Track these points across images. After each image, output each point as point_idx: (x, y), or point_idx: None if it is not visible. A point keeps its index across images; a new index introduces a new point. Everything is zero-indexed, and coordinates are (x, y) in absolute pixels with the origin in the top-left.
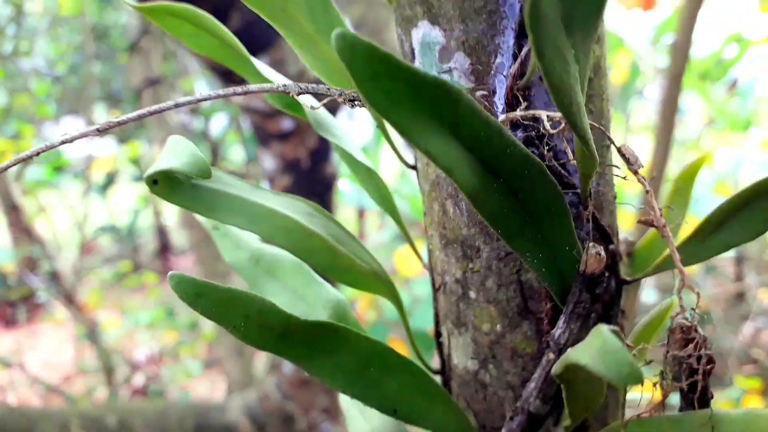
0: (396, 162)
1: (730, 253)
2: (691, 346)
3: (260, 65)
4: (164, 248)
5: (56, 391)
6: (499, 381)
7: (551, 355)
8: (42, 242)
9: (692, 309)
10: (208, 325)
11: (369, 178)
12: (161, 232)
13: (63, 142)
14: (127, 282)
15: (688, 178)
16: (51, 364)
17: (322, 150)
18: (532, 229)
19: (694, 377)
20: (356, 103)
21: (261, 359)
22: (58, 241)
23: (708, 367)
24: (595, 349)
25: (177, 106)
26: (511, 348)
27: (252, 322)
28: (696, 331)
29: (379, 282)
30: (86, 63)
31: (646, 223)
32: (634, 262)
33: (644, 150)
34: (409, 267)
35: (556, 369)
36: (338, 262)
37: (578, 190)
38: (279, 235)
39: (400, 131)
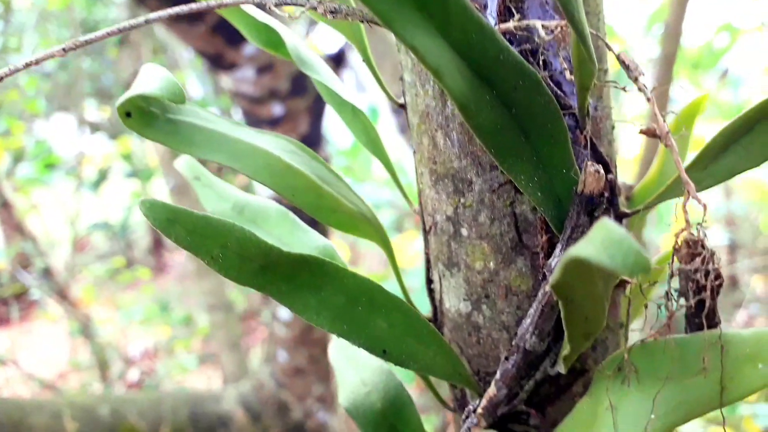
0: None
1: (724, 241)
2: (698, 259)
3: None
4: (157, 244)
5: (51, 388)
6: (492, 322)
7: (547, 288)
8: (34, 239)
9: (698, 224)
10: (202, 320)
11: (355, 118)
12: (154, 229)
13: (27, 65)
14: (120, 278)
15: (688, 117)
16: (45, 362)
17: (313, 136)
18: (527, 148)
19: (702, 295)
20: (336, 15)
21: (256, 353)
22: (51, 239)
23: (716, 283)
24: (598, 241)
25: (147, 22)
26: (505, 286)
27: (230, 253)
28: (703, 245)
29: (368, 224)
30: (76, 58)
31: (647, 133)
32: (632, 206)
33: (637, 140)
34: (404, 257)
35: (553, 277)
36: (323, 202)
37: (575, 111)
38: (262, 172)
39: (384, 20)
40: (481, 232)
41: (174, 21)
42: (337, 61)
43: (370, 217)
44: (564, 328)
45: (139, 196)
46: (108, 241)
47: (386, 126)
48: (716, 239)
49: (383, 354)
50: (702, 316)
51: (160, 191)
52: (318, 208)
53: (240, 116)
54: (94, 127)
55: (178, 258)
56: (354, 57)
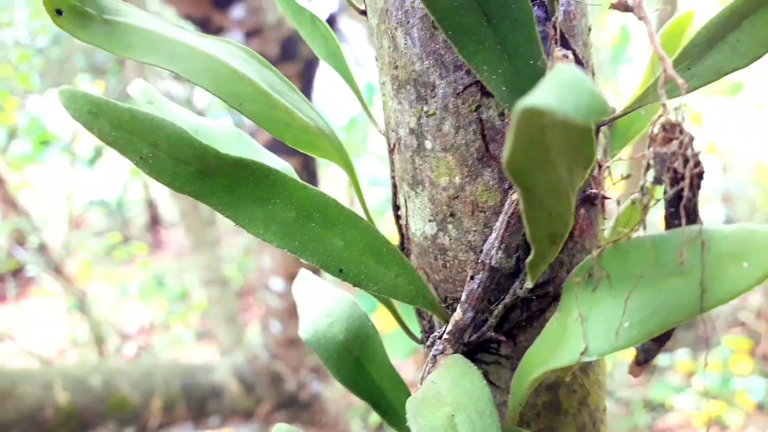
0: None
1: (721, 218)
2: (675, 143)
3: None
4: (154, 221)
5: (49, 364)
6: (459, 243)
7: (515, 196)
8: (29, 215)
9: (676, 108)
10: (199, 296)
11: (315, 29)
12: (151, 205)
13: None
14: (116, 254)
15: (675, 35)
16: (44, 339)
17: None
18: (489, 32)
19: (680, 184)
20: None
21: (253, 329)
22: (47, 216)
23: (695, 170)
24: (549, 86)
25: None
26: (472, 202)
27: (161, 153)
28: (681, 130)
29: (326, 140)
30: (70, 51)
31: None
32: (614, 134)
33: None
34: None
35: (506, 151)
36: (275, 114)
37: None
38: (203, 76)
39: None
40: (445, 144)
41: None
42: (330, 23)
43: (328, 133)
44: (526, 228)
45: (136, 173)
46: (105, 219)
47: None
48: (713, 216)
49: (339, 273)
50: (680, 209)
51: None
52: (269, 120)
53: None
54: None
55: (175, 235)
56: (347, 25)
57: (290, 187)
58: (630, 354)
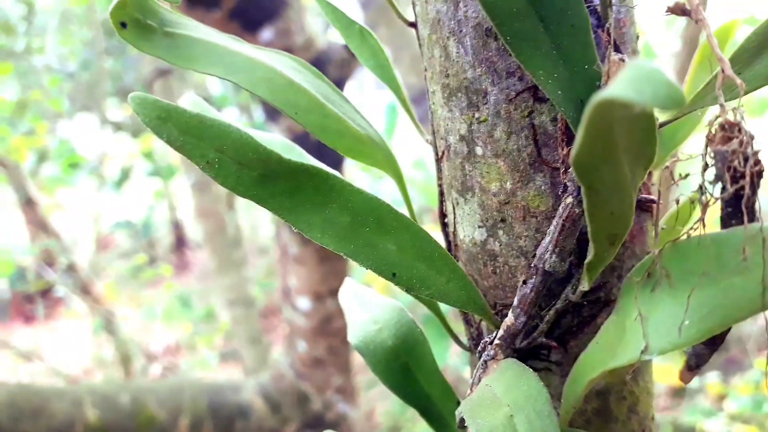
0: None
1: None
2: (735, 141)
3: None
4: (180, 242)
5: (75, 383)
6: (509, 248)
7: (569, 200)
8: (58, 236)
9: (735, 109)
10: (224, 317)
11: (363, 41)
12: (176, 227)
13: None
14: (143, 275)
15: (720, 42)
16: (70, 358)
17: None
18: (546, 38)
19: (740, 183)
20: None
21: (278, 350)
22: (75, 237)
23: (756, 169)
24: (625, 80)
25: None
26: (523, 207)
27: (227, 158)
28: (740, 129)
29: (377, 150)
30: (97, 59)
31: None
32: (660, 142)
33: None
34: None
35: (575, 149)
36: (329, 123)
37: (596, 6)
38: (261, 87)
39: None
40: (497, 149)
41: (190, 6)
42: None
43: (379, 142)
44: (588, 227)
45: (162, 194)
46: (131, 240)
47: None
48: None
49: (393, 277)
50: (741, 207)
51: (183, 189)
52: (323, 130)
53: (260, 111)
54: (117, 126)
55: (200, 256)
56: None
57: (347, 192)
58: (663, 376)
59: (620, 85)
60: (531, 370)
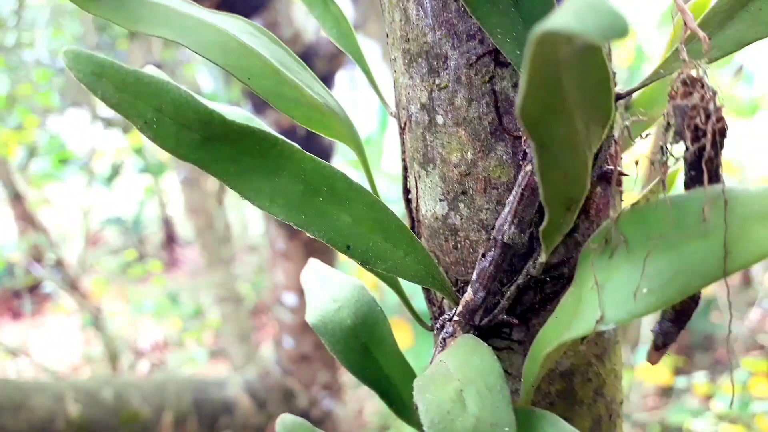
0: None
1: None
2: (696, 95)
3: None
4: (170, 239)
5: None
6: (470, 222)
7: (528, 167)
8: (46, 231)
9: (698, 62)
10: (213, 314)
11: (326, 9)
12: (167, 223)
13: None
14: (132, 271)
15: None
16: (59, 355)
17: None
18: None
19: (701, 141)
20: None
21: (267, 348)
22: (64, 233)
23: (718, 125)
24: (565, 10)
25: None
26: (484, 178)
27: (166, 118)
28: (703, 85)
29: (337, 119)
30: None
31: None
32: (632, 115)
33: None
34: None
35: (519, 97)
36: (284, 90)
37: None
38: (212, 50)
39: None
40: (457, 118)
41: None
42: None
43: (339, 112)
44: (540, 190)
45: (152, 191)
46: (121, 237)
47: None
48: None
49: (347, 249)
50: (702, 165)
51: (173, 186)
52: (278, 97)
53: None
54: (107, 122)
55: (190, 253)
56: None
57: (298, 159)
58: (651, 376)
59: (561, 15)
60: (485, 344)
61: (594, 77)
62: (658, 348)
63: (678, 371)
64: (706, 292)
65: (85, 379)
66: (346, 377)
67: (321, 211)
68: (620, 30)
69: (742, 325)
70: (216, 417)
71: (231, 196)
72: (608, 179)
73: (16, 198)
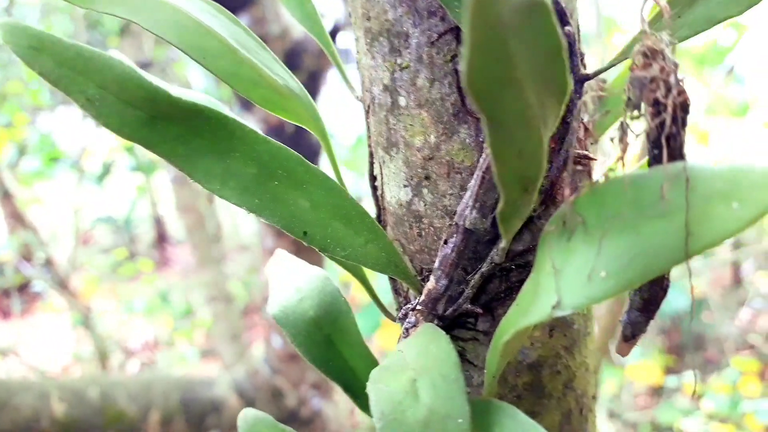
0: None
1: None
2: (656, 66)
3: None
4: (161, 238)
5: (49, 379)
6: (434, 208)
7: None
8: (35, 230)
9: (656, 35)
10: (204, 314)
11: None
12: (158, 222)
13: None
14: (122, 270)
15: None
16: (49, 355)
17: None
18: None
19: (662, 116)
20: None
21: (258, 348)
22: (55, 232)
23: (679, 99)
24: None
25: None
26: (447, 162)
27: (109, 95)
28: (664, 57)
29: (297, 101)
30: None
31: None
32: (606, 103)
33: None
34: None
35: (463, 70)
36: (242, 71)
37: None
38: (167, 29)
39: None
40: (419, 99)
41: None
42: (332, 35)
43: (300, 94)
44: (493, 168)
45: (144, 190)
46: (112, 236)
47: None
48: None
49: (304, 236)
50: (661, 140)
51: (164, 185)
52: (236, 78)
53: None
54: None
55: (182, 253)
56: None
57: (251, 140)
58: (641, 375)
59: None
60: (444, 333)
61: (544, 46)
62: (627, 339)
63: (668, 370)
64: (697, 292)
65: (70, 379)
66: None
67: (276, 196)
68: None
69: (733, 325)
70: (204, 416)
71: None
72: (576, 163)
73: (6, 196)
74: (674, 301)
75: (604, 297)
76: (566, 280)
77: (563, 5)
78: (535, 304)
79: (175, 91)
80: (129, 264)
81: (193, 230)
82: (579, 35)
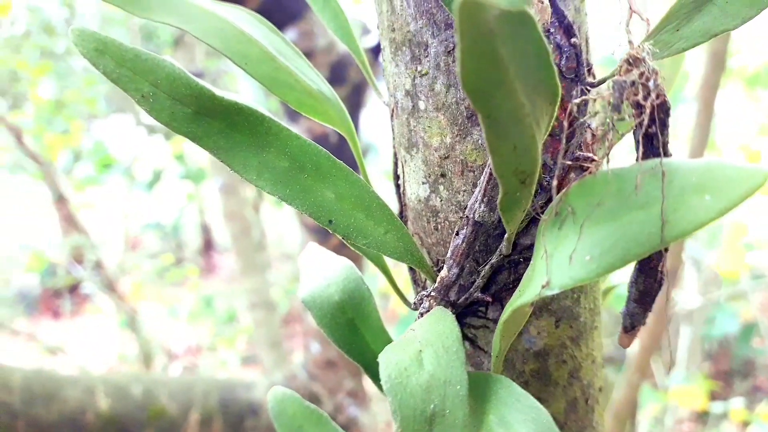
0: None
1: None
2: (636, 71)
3: None
4: (208, 245)
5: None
6: (449, 203)
7: None
8: (87, 234)
9: (639, 45)
10: (246, 320)
11: (326, 4)
12: (205, 230)
13: None
14: (169, 275)
15: None
16: (95, 355)
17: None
18: None
19: (641, 117)
20: None
21: (298, 356)
22: (106, 236)
23: (658, 101)
24: None
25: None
26: (461, 161)
27: (161, 92)
28: (645, 62)
29: (329, 105)
30: None
31: None
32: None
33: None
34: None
35: (458, 72)
36: (280, 76)
37: None
38: (212, 36)
39: None
40: (437, 103)
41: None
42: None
43: (330, 97)
44: (491, 162)
45: (192, 197)
46: (160, 241)
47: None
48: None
49: (329, 224)
50: (647, 141)
51: (212, 193)
52: (274, 82)
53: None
54: (150, 129)
55: (227, 260)
56: None
57: (284, 137)
58: (686, 400)
59: None
60: (450, 312)
61: (532, 51)
62: (627, 330)
63: (714, 396)
64: (748, 316)
65: (115, 375)
66: (371, 387)
67: (305, 187)
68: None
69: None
70: (242, 418)
71: (268, 204)
72: (581, 166)
73: (61, 200)
74: (723, 324)
75: (587, 278)
76: (555, 263)
77: (570, 20)
78: (529, 286)
79: (219, 91)
80: (175, 269)
81: (239, 238)
82: (588, 47)
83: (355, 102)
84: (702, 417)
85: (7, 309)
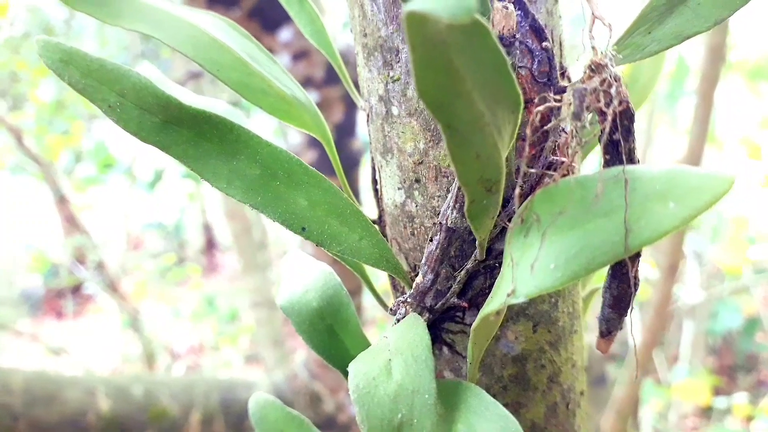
0: None
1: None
2: (596, 78)
3: None
4: (209, 245)
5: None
6: (424, 209)
7: None
8: (89, 234)
9: (601, 51)
10: (249, 319)
11: (301, 8)
12: (207, 229)
13: None
14: (171, 275)
15: None
16: (97, 355)
17: (347, 125)
18: None
19: (604, 124)
20: None
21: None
22: (107, 237)
23: (620, 108)
24: None
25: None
26: (435, 167)
27: (128, 102)
28: (607, 68)
29: (303, 110)
30: (133, 62)
31: None
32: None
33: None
34: None
35: (414, 82)
36: (253, 81)
37: None
38: (185, 44)
39: None
40: (410, 109)
41: (210, 5)
42: None
43: (305, 102)
44: (455, 172)
45: (193, 197)
46: (161, 241)
47: None
48: None
49: (302, 231)
50: (612, 149)
51: (213, 192)
52: (247, 88)
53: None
54: None
55: (229, 260)
56: None
57: (254, 144)
58: (689, 395)
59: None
60: (422, 320)
61: (489, 60)
62: (604, 335)
63: (717, 391)
64: (751, 311)
65: (116, 376)
66: None
67: (277, 194)
68: (465, 9)
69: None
70: (243, 418)
71: None
72: (555, 170)
73: (62, 201)
74: (726, 319)
75: (552, 287)
76: (521, 272)
77: (542, 23)
78: (496, 294)
79: (187, 99)
80: (177, 269)
81: (240, 237)
82: (561, 50)
83: (351, 101)
84: (706, 412)
85: (11, 310)
